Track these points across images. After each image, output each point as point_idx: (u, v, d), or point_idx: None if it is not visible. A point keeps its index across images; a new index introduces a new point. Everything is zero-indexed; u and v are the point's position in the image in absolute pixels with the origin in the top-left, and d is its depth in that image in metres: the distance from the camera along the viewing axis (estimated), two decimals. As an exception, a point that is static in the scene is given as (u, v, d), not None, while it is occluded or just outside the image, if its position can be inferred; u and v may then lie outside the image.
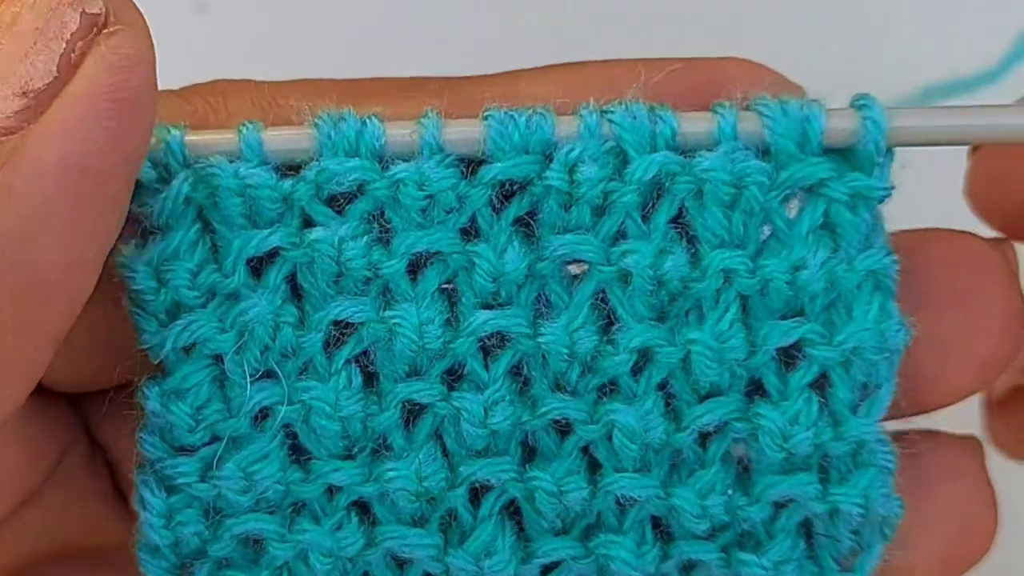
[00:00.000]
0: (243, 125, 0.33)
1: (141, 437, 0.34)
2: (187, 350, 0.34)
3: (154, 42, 0.29)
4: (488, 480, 0.35)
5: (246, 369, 0.34)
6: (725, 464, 0.35)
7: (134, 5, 0.28)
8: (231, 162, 0.33)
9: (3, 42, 0.27)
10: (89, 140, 0.27)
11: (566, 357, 0.34)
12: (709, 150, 0.33)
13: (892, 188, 0.34)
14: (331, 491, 0.35)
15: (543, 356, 0.34)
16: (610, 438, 0.35)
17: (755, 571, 0.36)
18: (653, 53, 0.35)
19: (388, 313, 0.34)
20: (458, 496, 0.35)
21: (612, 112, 0.33)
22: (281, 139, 0.33)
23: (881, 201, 0.34)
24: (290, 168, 0.33)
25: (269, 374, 0.34)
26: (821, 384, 0.35)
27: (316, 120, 0.33)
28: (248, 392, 0.34)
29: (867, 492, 0.35)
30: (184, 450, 0.34)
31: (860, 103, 0.34)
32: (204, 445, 0.34)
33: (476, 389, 0.34)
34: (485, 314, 0.34)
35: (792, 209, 0.34)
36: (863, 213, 0.34)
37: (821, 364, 0.35)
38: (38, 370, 0.30)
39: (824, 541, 0.36)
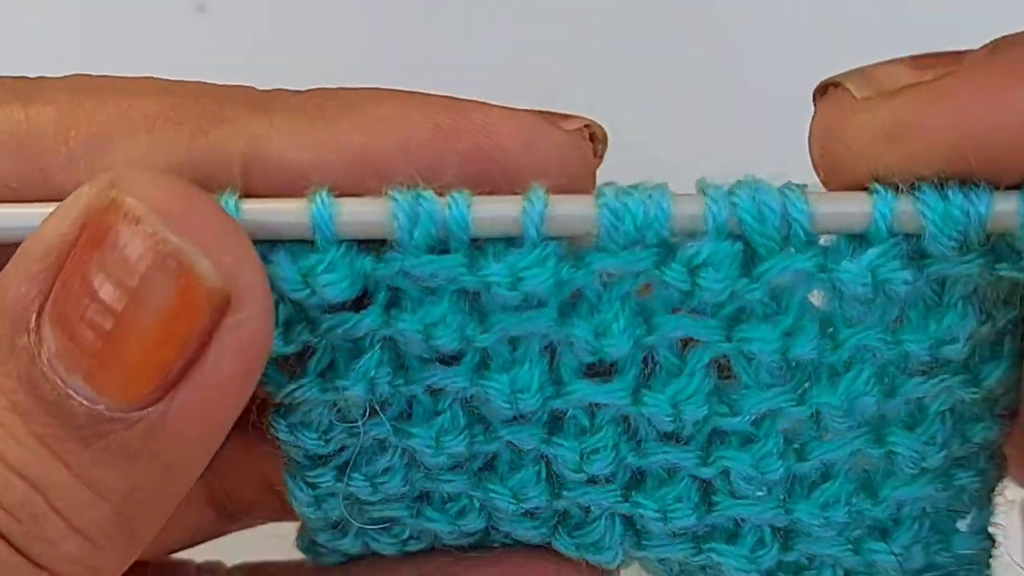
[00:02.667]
0: (316, 199, 0.31)
1: (284, 448, 0.35)
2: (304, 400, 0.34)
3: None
4: (591, 504, 0.35)
5: (352, 411, 0.34)
6: (848, 476, 0.34)
7: (255, 279, 0.30)
8: (294, 254, 0.31)
9: (135, 336, 0.29)
10: (220, 411, 0.31)
11: (671, 423, 0.33)
12: (855, 237, 0.31)
13: None
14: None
15: (647, 419, 0.33)
16: (725, 476, 0.34)
17: (886, 559, 0.35)
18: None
19: (481, 381, 0.33)
20: (565, 505, 0.35)
21: (740, 203, 0.30)
22: (356, 221, 0.31)
23: None
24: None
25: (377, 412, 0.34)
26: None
27: (392, 202, 0.30)
28: (362, 428, 0.34)
29: (985, 468, 0.35)
30: (320, 459, 0.35)
31: None
32: (336, 454, 0.35)
33: (577, 435, 0.34)
34: (586, 386, 0.33)
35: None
36: (1007, 285, 0.32)
37: (959, 398, 0.34)
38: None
39: (946, 513, 0.36)
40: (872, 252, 0.31)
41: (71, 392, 0.29)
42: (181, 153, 0.32)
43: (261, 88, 0.34)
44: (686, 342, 0.33)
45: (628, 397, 0.33)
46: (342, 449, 0.35)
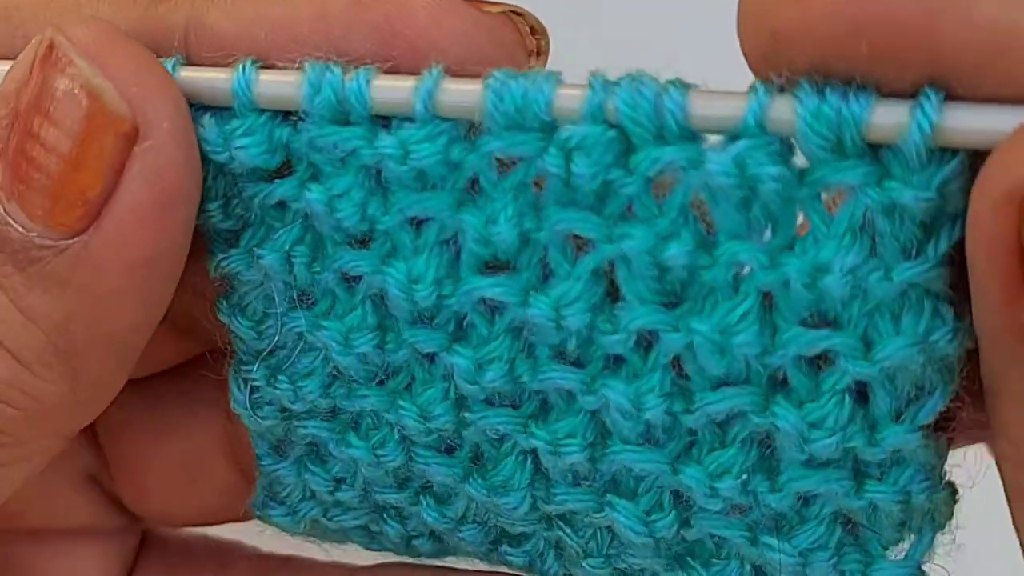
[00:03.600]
0: (239, 68, 0.33)
1: (232, 342, 0.37)
2: (234, 275, 0.36)
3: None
4: (491, 429, 0.35)
5: (276, 297, 0.35)
6: (744, 446, 0.33)
7: (165, 113, 0.32)
8: (220, 119, 0.33)
9: (54, 159, 0.31)
10: (140, 240, 0.32)
11: (554, 330, 0.32)
12: (733, 137, 0.29)
13: (933, 197, 0.28)
14: (373, 411, 0.36)
15: (535, 325, 0.33)
16: (608, 409, 0.33)
17: (775, 556, 0.33)
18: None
19: (384, 267, 0.33)
20: (474, 435, 0.35)
21: (619, 92, 0.30)
22: (271, 91, 0.33)
23: (924, 208, 0.29)
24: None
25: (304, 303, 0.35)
26: (861, 388, 0.31)
27: (302, 74, 0.32)
28: (280, 320, 0.35)
29: (907, 488, 0.32)
30: (255, 354, 0.37)
31: (923, 93, 0.27)
32: (269, 354, 0.36)
33: (475, 345, 0.34)
34: (477, 280, 0.33)
35: (834, 204, 0.30)
36: (904, 221, 0.29)
37: (855, 376, 0.31)
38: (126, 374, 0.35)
39: (867, 532, 0.33)
40: (740, 144, 0.29)
41: (9, 219, 0.32)
42: (135, 22, 0.33)
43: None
44: (581, 248, 0.32)
45: (518, 295, 0.32)
46: (274, 351, 0.36)
